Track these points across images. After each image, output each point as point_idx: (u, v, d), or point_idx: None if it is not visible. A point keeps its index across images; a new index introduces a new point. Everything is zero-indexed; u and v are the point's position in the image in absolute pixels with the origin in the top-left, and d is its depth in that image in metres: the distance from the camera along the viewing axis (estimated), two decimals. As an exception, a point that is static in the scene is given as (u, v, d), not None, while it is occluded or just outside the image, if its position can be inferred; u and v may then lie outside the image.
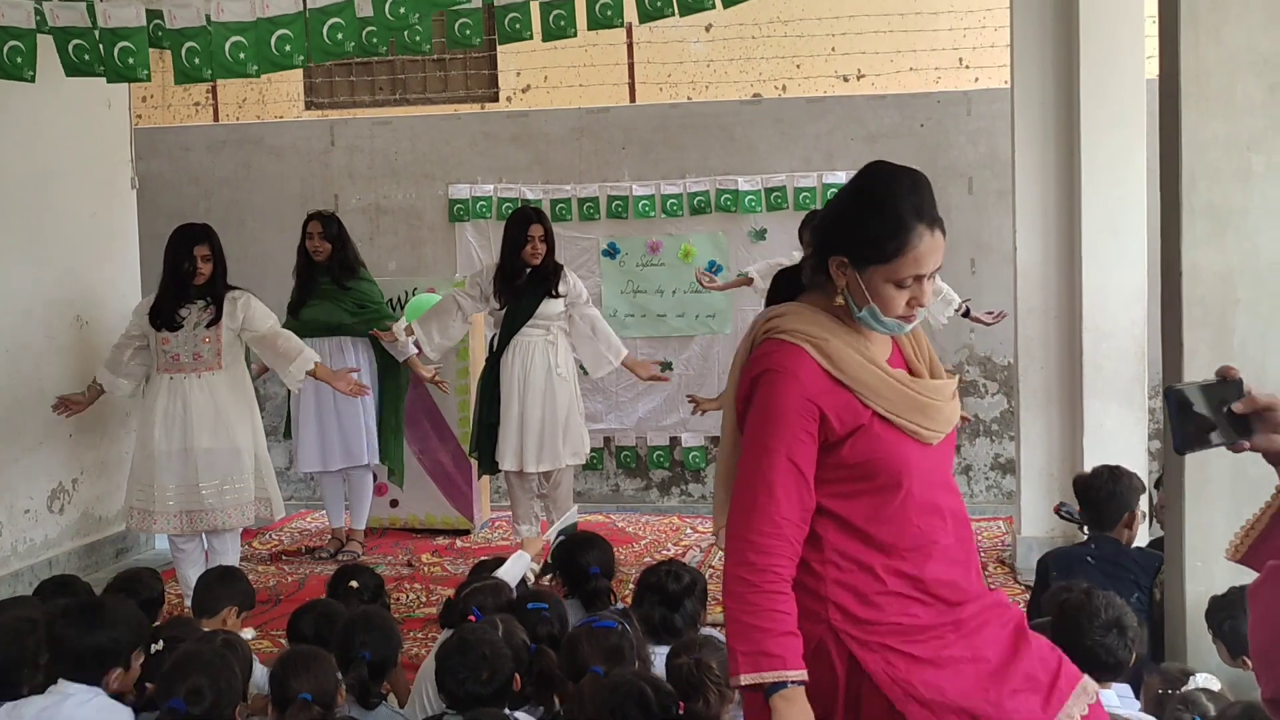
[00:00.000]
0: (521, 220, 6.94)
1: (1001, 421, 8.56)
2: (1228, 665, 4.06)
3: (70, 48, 5.41)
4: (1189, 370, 4.16)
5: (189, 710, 3.30)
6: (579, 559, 4.78)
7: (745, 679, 2.44)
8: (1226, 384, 2.11)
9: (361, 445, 7.45)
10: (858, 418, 2.56)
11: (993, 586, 6.45)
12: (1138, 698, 3.86)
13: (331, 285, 7.32)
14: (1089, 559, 4.67)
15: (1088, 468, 6.39)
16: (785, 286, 2.77)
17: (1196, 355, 4.20)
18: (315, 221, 7.37)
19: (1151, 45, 4.98)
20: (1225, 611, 4.01)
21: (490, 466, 7.08)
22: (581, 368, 7.23)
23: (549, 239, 6.90)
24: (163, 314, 6.25)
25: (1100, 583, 4.08)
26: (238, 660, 3.63)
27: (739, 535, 2.52)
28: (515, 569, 4.79)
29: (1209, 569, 4.23)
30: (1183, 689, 3.58)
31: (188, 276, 6.24)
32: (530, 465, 6.90)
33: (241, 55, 5.19)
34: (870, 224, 2.53)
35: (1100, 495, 4.85)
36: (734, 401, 2.67)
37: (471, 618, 4.11)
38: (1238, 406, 2.08)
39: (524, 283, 6.87)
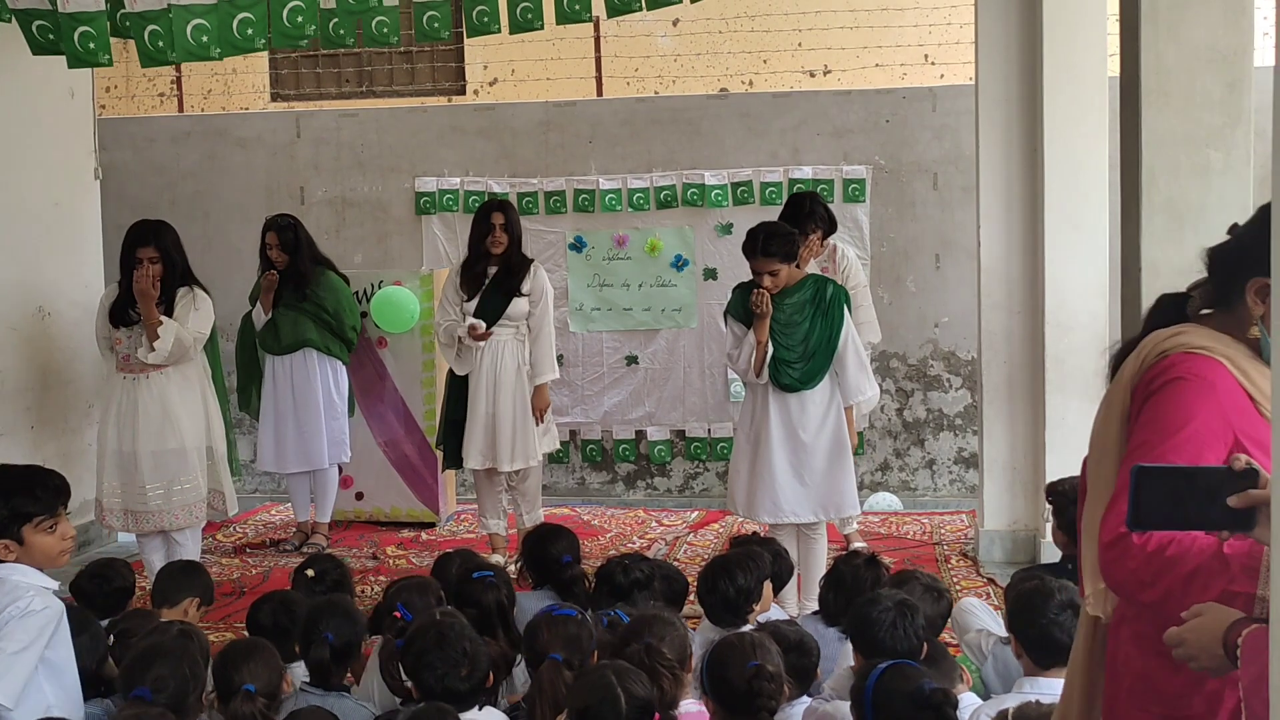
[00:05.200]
0: (484, 209, 6.95)
1: (965, 416, 8.62)
2: None
3: (34, 28, 5.38)
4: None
5: (154, 698, 3.32)
6: (549, 549, 4.82)
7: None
8: (1216, 470, 1.94)
9: (321, 449, 7.42)
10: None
11: (955, 579, 6.57)
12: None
13: (293, 295, 7.29)
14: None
15: (1050, 462, 6.46)
16: (1169, 312, 2.44)
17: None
18: (272, 233, 7.29)
19: (1113, 43, 5.03)
20: None
21: (455, 461, 7.07)
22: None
23: (511, 229, 6.83)
24: (115, 310, 6.29)
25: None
26: (197, 649, 3.64)
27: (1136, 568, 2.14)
28: None
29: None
30: None
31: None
32: (504, 464, 6.85)
33: (204, 38, 5.16)
34: None
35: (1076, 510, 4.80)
36: (1118, 431, 2.31)
37: (397, 614, 4.11)
38: (1233, 501, 1.92)
39: (489, 280, 6.84)
